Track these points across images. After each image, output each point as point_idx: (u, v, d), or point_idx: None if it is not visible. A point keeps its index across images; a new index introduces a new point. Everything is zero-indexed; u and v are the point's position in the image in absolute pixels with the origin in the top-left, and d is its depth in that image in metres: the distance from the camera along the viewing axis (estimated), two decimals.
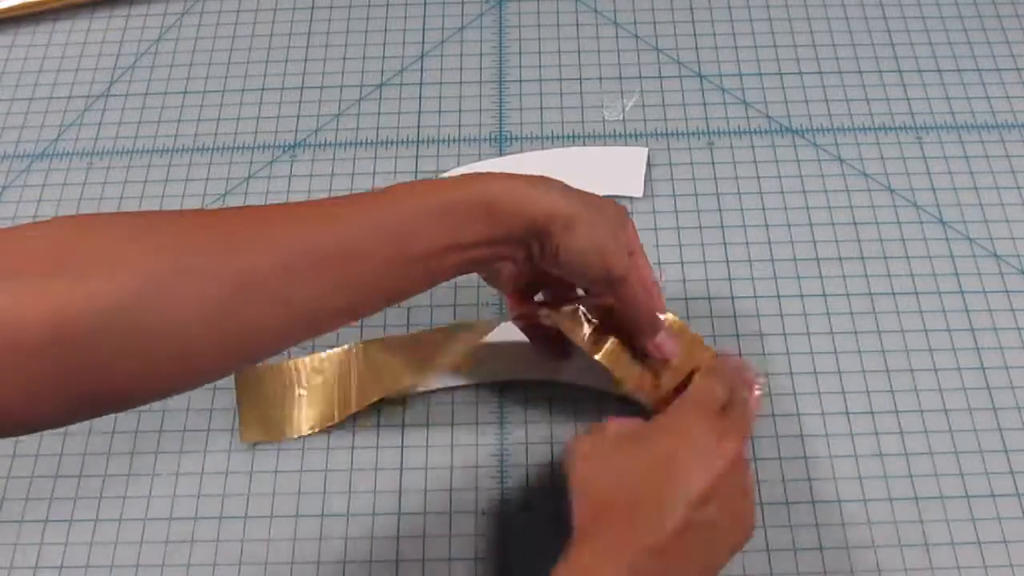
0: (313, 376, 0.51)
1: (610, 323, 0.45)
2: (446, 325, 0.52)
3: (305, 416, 0.50)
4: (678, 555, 0.37)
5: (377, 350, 0.51)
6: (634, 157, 0.59)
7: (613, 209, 0.42)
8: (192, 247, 0.32)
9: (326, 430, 0.50)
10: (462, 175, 0.39)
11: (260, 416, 0.51)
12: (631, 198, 0.57)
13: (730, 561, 0.39)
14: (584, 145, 0.60)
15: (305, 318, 0.35)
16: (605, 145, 0.60)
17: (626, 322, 0.44)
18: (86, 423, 0.51)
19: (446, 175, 0.58)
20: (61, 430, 0.50)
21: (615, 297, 0.42)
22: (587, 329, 0.45)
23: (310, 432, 0.50)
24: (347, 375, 0.51)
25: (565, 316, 0.44)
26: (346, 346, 0.51)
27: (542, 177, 0.40)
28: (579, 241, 0.39)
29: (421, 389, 0.51)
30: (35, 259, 0.31)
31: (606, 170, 0.58)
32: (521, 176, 0.40)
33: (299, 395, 0.51)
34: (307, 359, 0.51)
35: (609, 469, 0.39)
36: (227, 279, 0.32)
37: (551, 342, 0.48)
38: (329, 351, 0.51)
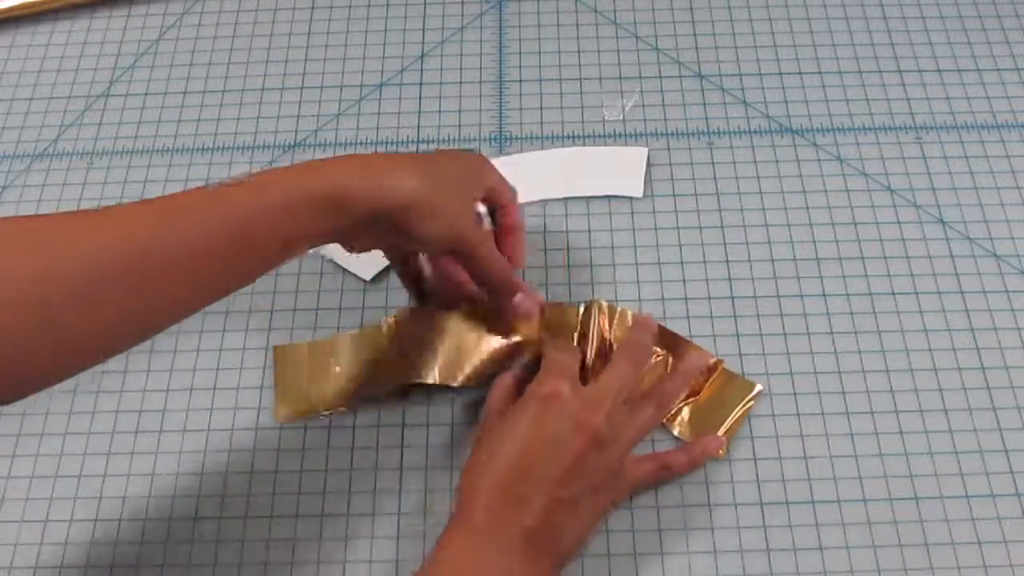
0: (349, 352, 0.51)
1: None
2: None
3: (341, 391, 0.50)
4: (548, 532, 0.40)
5: (409, 330, 0.51)
6: (634, 157, 0.59)
7: (465, 171, 0.44)
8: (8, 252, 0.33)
9: (325, 428, 0.50)
10: (308, 163, 0.40)
11: (295, 393, 0.51)
12: (631, 198, 0.57)
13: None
14: (584, 145, 0.60)
15: (136, 321, 0.36)
16: (605, 145, 0.60)
17: (484, 286, 0.47)
18: (87, 422, 0.51)
19: None
20: (60, 430, 0.50)
21: (468, 265, 0.45)
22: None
23: (343, 411, 0.50)
24: (379, 356, 0.51)
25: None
26: (382, 323, 0.52)
27: (392, 160, 0.41)
28: (431, 226, 0.41)
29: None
30: None
31: (606, 170, 0.58)
32: (370, 160, 0.41)
33: (336, 371, 0.51)
34: (347, 335, 0.52)
35: (487, 451, 0.42)
36: (50, 283, 0.33)
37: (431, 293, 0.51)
38: (366, 327, 0.52)
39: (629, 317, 0.52)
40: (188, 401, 0.51)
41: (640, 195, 0.57)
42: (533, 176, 0.58)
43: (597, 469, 0.42)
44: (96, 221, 0.35)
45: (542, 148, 0.60)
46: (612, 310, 0.52)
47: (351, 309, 0.54)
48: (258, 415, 0.51)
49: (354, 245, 0.44)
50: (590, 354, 0.50)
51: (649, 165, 0.58)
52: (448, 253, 0.44)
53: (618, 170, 0.58)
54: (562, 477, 0.41)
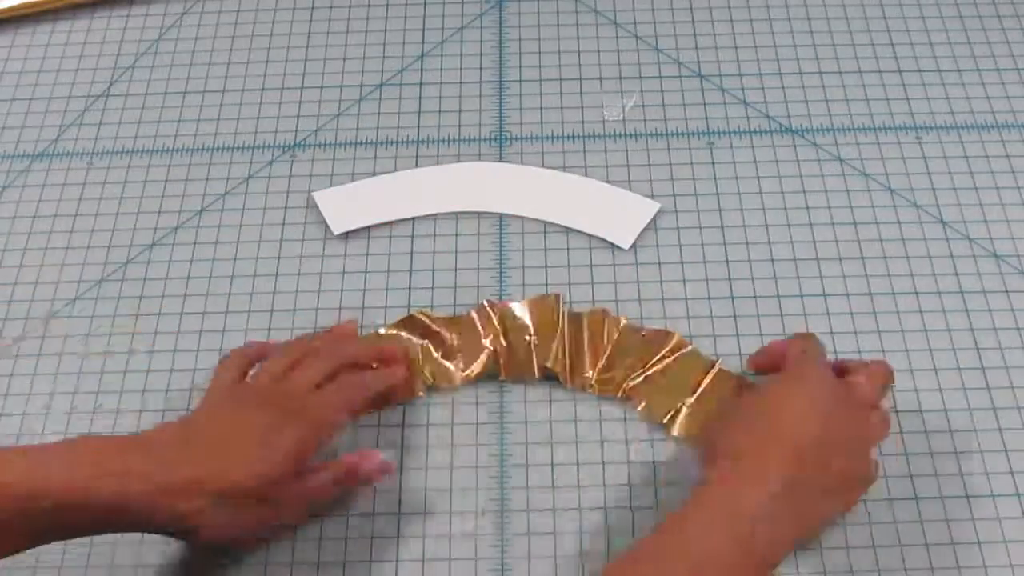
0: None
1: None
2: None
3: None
4: (799, 491, 0.41)
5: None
6: (642, 208, 0.56)
7: (262, 441, 0.43)
8: None
9: None
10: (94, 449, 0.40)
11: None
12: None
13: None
14: (587, 148, 0.59)
15: None
16: (617, 185, 0.57)
17: None
18: (87, 423, 0.50)
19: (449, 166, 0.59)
20: (60, 430, 0.50)
21: None
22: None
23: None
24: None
25: None
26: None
27: (183, 468, 0.40)
28: (229, 531, 0.42)
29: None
30: None
31: (606, 211, 0.56)
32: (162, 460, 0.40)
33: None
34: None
35: (734, 420, 0.44)
36: None
37: None
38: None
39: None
40: (188, 401, 0.51)
41: (626, 247, 0.55)
42: (535, 193, 0.57)
43: (852, 439, 0.44)
44: None
45: (542, 148, 0.60)
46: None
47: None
48: None
49: None
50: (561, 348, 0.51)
51: (649, 166, 0.58)
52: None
53: (618, 215, 0.56)
54: (816, 438, 0.42)
